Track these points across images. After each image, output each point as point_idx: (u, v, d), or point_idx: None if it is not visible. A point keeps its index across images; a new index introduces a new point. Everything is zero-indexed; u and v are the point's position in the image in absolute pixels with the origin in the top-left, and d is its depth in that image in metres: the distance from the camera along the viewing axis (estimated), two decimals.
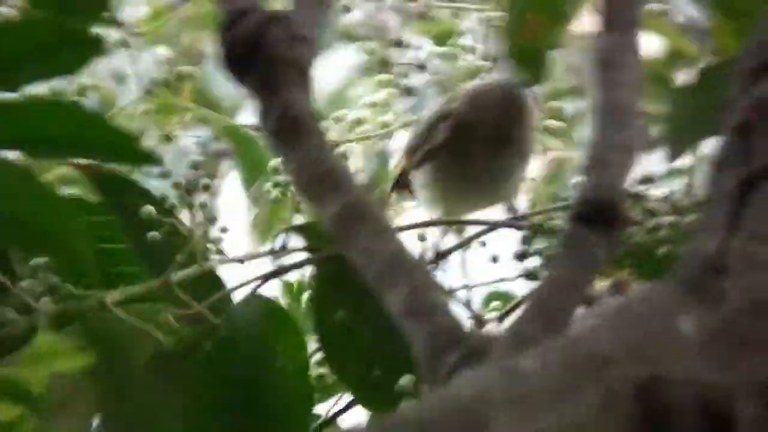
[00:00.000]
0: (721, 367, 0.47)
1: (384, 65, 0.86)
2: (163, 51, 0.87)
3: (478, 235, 0.83)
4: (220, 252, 0.79)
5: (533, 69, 0.85)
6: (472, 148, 0.82)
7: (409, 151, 0.86)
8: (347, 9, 0.86)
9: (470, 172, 0.82)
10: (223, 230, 0.80)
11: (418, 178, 0.85)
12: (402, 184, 0.86)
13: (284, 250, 0.81)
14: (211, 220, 0.80)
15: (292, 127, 0.64)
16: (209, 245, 0.79)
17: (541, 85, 0.87)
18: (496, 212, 0.84)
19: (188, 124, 0.87)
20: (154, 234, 0.77)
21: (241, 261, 0.80)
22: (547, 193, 0.84)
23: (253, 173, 0.91)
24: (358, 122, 0.88)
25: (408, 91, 0.87)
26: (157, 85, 0.85)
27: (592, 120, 0.59)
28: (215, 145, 0.96)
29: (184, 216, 0.80)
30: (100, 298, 0.75)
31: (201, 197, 0.81)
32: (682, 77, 0.89)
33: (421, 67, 0.86)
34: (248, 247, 0.87)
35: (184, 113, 0.87)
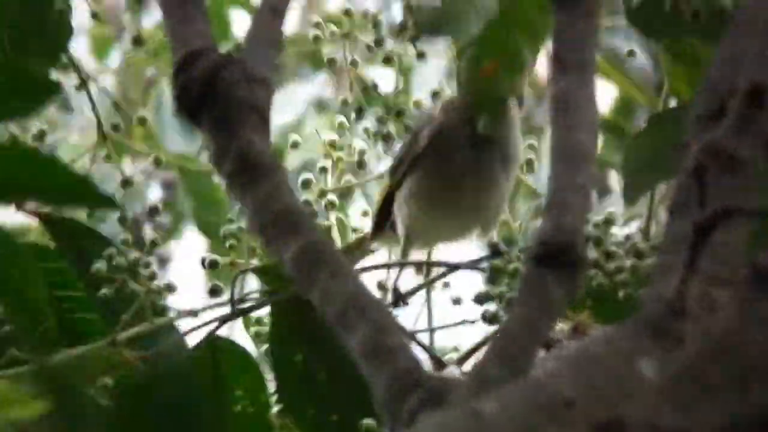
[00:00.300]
0: (682, 410, 0.48)
1: (359, 112, 0.86)
2: (111, 83, 0.87)
3: (440, 276, 0.83)
4: (170, 309, 0.78)
5: (490, 113, 0.86)
6: (454, 150, 0.82)
7: (392, 170, 0.86)
8: (330, 61, 0.86)
9: (454, 173, 0.82)
10: (172, 288, 0.79)
11: (401, 197, 0.84)
12: (384, 214, 0.86)
13: (241, 295, 0.80)
14: (164, 273, 0.80)
15: (250, 168, 0.64)
16: (161, 299, 0.78)
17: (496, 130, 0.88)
18: (468, 247, 0.84)
19: (140, 160, 0.87)
20: (105, 291, 0.77)
21: (194, 314, 0.79)
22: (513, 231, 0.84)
23: (205, 209, 0.90)
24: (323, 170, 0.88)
25: (385, 137, 0.87)
26: (110, 129, 0.84)
27: (549, 162, 0.59)
28: (162, 175, 0.95)
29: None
30: (55, 356, 0.74)
31: (154, 253, 0.81)
32: (636, 124, 0.90)
33: (400, 113, 0.86)
34: (205, 287, 0.86)
35: (154, 161, 0.86)
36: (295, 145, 0.88)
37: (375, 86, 0.86)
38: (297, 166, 1.07)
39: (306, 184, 0.87)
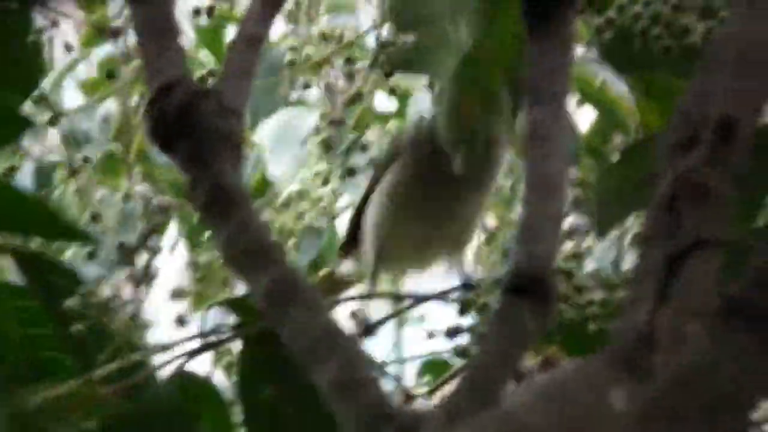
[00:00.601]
0: None
1: (326, 147, 0.86)
2: (111, 107, 0.87)
3: (410, 306, 0.83)
4: (145, 345, 0.78)
5: (469, 152, 0.86)
6: (432, 157, 0.82)
7: (373, 180, 0.85)
8: (306, 86, 0.86)
9: (432, 180, 0.82)
10: (148, 325, 0.79)
11: (366, 222, 0.84)
12: (355, 232, 0.85)
13: (212, 329, 0.80)
14: (138, 310, 0.79)
15: (223, 199, 0.63)
16: (136, 337, 0.77)
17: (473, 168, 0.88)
18: (440, 278, 0.84)
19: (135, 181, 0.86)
20: (78, 327, 0.76)
21: (166, 349, 0.79)
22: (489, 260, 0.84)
23: (196, 230, 0.90)
24: (299, 196, 0.87)
25: (350, 172, 0.87)
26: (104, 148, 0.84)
27: (523, 192, 0.60)
28: (160, 199, 0.95)
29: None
30: (25, 399, 0.73)
31: (128, 290, 0.80)
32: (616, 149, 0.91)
33: (363, 147, 0.86)
34: (185, 311, 0.85)
35: (124, 198, 0.86)
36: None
37: (342, 121, 0.86)
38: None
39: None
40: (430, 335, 0.80)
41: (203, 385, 0.80)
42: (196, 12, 0.86)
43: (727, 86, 0.59)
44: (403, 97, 0.93)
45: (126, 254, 0.79)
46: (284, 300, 0.58)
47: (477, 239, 0.85)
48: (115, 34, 0.85)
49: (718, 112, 0.59)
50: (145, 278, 0.79)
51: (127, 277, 0.79)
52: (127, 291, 0.80)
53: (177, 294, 0.82)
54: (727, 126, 0.58)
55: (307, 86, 0.87)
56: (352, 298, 0.84)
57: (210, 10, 0.87)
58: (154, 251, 0.81)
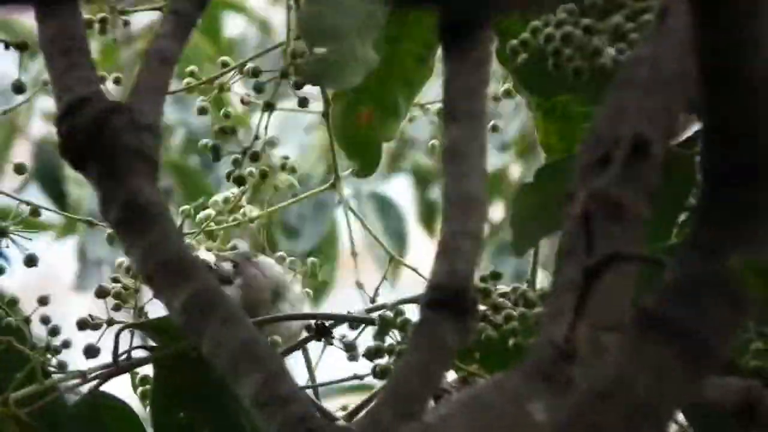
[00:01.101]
0: None
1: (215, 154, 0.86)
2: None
3: (331, 327, 0.82)
4: (61, 367, 0.76)
5: (364, 160, 0.87)
6: None
7: None
8: (201, 111, 0.85)
9: None
10: (65, 345, 0.77)
11: None
12: None
13: (126, 352, 0.78)
14: (54, 333, 0.77)
15: (137, 215, 0.62)
16: (50, 360, 0.76)
17: (370, 175, 0.89)
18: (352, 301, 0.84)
19: None
20: None
21: (84, 376, 0.77)
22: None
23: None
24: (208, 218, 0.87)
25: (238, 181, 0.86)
26: None
27: (441, 209, 0.60)
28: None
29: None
30: None
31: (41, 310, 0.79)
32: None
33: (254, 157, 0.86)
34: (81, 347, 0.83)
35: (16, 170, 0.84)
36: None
37: (233, 130, 0.86)
38: None
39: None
40: (351, 357, 0.80)
41: (117, 406, 0.78)
42: (89, 24, 0.85)
43: (640, 105, 0.61)
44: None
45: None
46: (203, 314, 0.57)
47: None
48: (21, 48, 0.84)
49: (630, 130, 0.60)
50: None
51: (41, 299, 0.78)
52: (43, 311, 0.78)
53: (84, 325, 0.80)
54: (639, 144, 0.60)
55: (202, 111, 0.87)
56: (271, 319, 0.83)
57: (102, 24, 0.86)
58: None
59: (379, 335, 0.77)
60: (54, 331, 0.76)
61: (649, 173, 0.60)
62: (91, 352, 0.79)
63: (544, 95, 0.83)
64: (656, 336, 0.52)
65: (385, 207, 1.59)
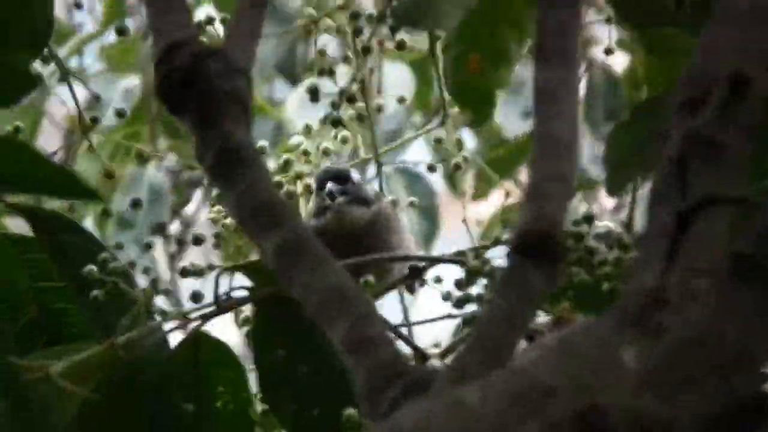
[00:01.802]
0: (663, 399, 0.48)
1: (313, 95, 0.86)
2: (133, 80, 0.86)
3: (424, 268, 0.83)
4: (163, 312, 0.78)
5: (476, 109, 0.86)
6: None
7: None
8: (321, 53, 0.85)
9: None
10: (167, 292, 0.79)
11: None
12: None
13: (226, 293, 0.80)
14: (155, 279, 0.79)
15: (231, 160, 0.63)
16: (153, 304, 0.78)
17: (485, 124, 0.88)
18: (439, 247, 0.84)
19: (159, 155, 0.86)
20: (96, 293, 0.76)
21: (185, 317, 0.79)
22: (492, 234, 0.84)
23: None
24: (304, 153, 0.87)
25: (335, 123, 0.86)
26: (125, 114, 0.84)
27: (531, 153, 0.59)
28: (187, 174, 0.94)
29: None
30: (44, 368, 0.73)
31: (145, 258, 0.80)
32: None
33: (351, 99, 0.86)
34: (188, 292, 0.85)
35: (154, 143, 0.85)
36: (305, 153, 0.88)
37: (332, 71, 0.85)
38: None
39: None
40: (446, 297, 0.80)
41: (217, 346, 0.80)
42: None
43: (739, 41, 0.59)
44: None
45: (158, 229, 0.79)
46: (295, 259, 0.58)
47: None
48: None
49: (729, 68, 0.58)
50: (178, 249, 0.79)
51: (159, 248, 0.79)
52: (157, 259, 0.80)
53: (186, 273, 0.82)
54: (739, 82, 0.58)
55: (322, 53, 0.86)
56: (363, 261, 0.84)
57: None
58: (187, 223, 0.81)
59: (466, 283, 0.77)
60: (155, 281, 0.78)
61: (748, 112, 0.58)
62: (196, 297, 0.80)
63: (645, 27, 0.81)
64: (750, 281, 0.51)
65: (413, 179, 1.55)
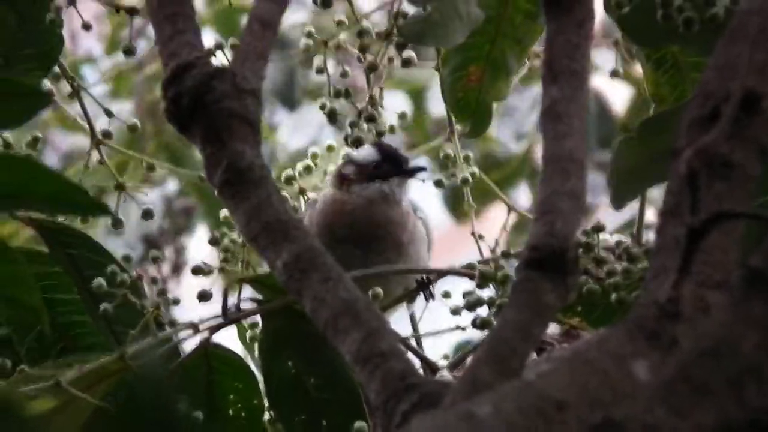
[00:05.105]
0: (676, 412, 0.48)
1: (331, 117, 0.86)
2: (126, 106, 0.86)
3: (433, 280, 0.83)
4: (173, 322, 0.78)
5: (474, 121, 0.86)
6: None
7: None
8: (319, 70, 0.86)
9: None
10: (175, 302, 0.79)
11: None
12: None
13: (236, 305, 0.80)
14: (164, 291, 0.79)
15: (240, 178, 0.64)
16: (166, 313, 0.78)
17: (480, 136, 0.88)
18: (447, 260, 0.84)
19: (153, 180, 0.86)
20: (106, 306, 0.77)
21: (195, 327, 0.79)
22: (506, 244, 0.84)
23: (219, 226, 0.90)
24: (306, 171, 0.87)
25: (356, 142, 0.86)
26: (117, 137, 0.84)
27: (541, 170, 0.60)
28: (181, 200, 0.94)
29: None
30: (56, 377, 0.73)
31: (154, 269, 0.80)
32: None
33: (371, 119, 0.86)
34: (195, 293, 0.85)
35: (147, 168, 0.85)
36: (308, 170, 0.88)
37: (348, 92, 0.86)
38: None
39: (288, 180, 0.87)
40: (454, 311, 0.80)
41: (229, 356, 0.81)
42: None
43: (751, 59, 0.59)
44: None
45: (152, 245, 0.79)
46: (306, 273, 0.58)
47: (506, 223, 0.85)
48: (131, 12, 0.85)
49: (741, 86, 0.59)
50: (174, 268, 0.79)
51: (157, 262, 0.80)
52: (154, 271, 0.80)
53: (197, 271, 0.82)
54: (750, 99, 0.58)
55: (320, 71, 0.86)
56: (374, 274, 0.84)
57: None
58: (181, 249, 0.81)
59: (479, 288, 0.77)
60: (163, 291, 0.79)
61: (759, 129, 0.59)
62: (204, 297, 0.81)
63: (651, 46, 0.81)
64: (763, 294, 0.51)
65: None
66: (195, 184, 1.57)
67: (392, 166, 0.87)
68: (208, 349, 0.80)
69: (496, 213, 1.00)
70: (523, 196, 1.68)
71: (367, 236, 0.85)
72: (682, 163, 0.57)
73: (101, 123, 0.86)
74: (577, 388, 0.51)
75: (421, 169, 0.87)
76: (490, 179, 0.92)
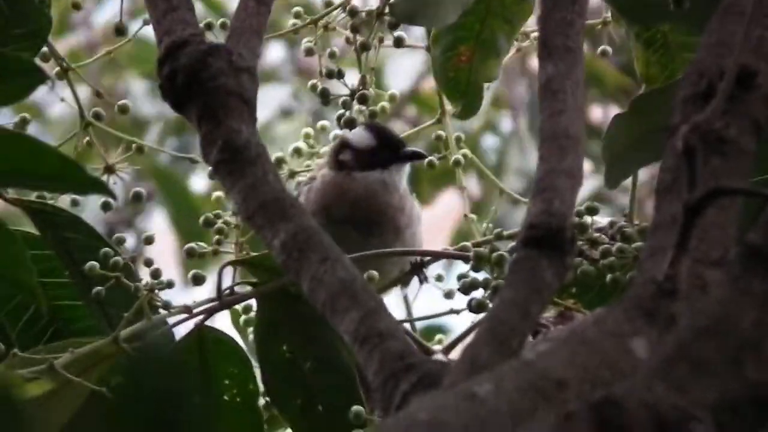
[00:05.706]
0: (676, 389, 0.48)
1: (323, 96, 0.85)
2: (85, 91, 0.85)
3: (426, 264, 0.83)
4: (167, 305, 0.78)
5: (464, 102, 0.86)
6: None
7: None
8: (308, 52, 0.85)
9: None
10: (170, 285, 0.79)
11: None
12: None
13: (228, 288, 0.79)
14: (156, 272, 0.79)
15: (237, 156, 0.63)
16: (155, 297, 0.77)
17: (471, 117, 0.88)
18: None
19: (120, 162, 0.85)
20: (99, 289, 0.76)
21: (189, 311, 0.78)
22: (477, 228, 0.83)
23: (179, 210, 0.89)
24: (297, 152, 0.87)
25: (348, 123, 0.86)
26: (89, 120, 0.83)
27: (537, 147, 0.59)
28: (138, 186, 0.94)
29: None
30: (49, 361, 0.73)
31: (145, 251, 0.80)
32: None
33: (363, 99, 0.85)
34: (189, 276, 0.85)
35: (137, 151, 0.84)
36: (298, 152, 0.87)
37: (341, 73, 0.85)
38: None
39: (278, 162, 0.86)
40: (449, 295, 0.80)
41: (223, 340, 0.80)
42: None
43: (746, 35, 0.59)
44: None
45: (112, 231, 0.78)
46: (304, 253, 0.58)
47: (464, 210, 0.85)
48: None
49: (735, 62, 0.59)
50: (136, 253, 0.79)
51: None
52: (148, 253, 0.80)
53: (189, 252, 0.82)
54: (744, 75, 0.58)
55: (309, 53, 0.86)
56: (366, 255, 0.83)
57: None
58: (141, 234, 0.80)
59: (474, 270, 0.77)
60: (156, 273, 0.78)
61: (754, 105, 0.59)
62: (197, 279, 0.80)
63: (643, 24, 0.81)
64: (760, 270, 0.51)
65: None
66: (153, 168, 1.56)
67: (390, 152, 0.86)
68: (202, 332, 0.79)
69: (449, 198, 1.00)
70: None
71: (367, 221, 0.84)
72: (678, 140, 0.57)
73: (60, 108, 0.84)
74: (577, 366, 0.51)
75: (420, 155, 0.87)
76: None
